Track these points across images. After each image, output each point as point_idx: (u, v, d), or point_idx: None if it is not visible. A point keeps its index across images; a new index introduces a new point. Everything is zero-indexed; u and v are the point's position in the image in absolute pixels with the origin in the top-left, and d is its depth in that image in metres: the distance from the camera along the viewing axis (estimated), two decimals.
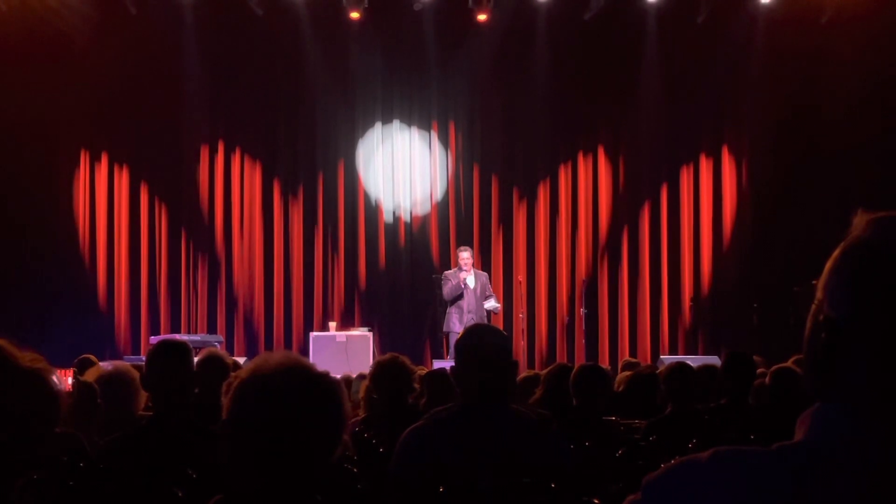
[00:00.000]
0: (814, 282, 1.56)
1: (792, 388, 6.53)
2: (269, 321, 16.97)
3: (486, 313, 14.38)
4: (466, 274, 14.25)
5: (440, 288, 14.58)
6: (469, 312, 14.12)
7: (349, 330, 15.70)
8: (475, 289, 14.26)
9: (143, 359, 5.01)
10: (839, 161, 16.08)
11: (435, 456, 3.98)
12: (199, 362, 6.48)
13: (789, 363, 6.99)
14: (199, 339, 14.85)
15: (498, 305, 14.87)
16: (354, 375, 9.22)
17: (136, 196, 16.88)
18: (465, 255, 14.43)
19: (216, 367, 6.33)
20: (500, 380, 4.09)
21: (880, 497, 1.39)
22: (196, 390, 5.28)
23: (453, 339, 14.16)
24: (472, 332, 4.32)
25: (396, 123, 17.28)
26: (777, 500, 1.42)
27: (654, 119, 17.01)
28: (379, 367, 6.23)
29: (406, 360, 6.27)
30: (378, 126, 17.23)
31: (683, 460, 1.52)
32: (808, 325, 1.52)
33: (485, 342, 4.16)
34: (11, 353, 2.05)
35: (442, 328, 14.86)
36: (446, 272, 14.72)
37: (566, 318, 16.86)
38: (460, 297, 14.23)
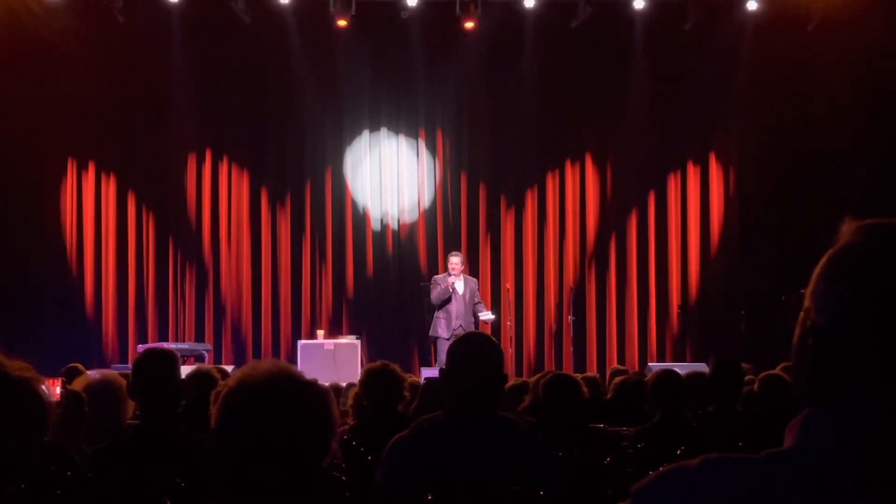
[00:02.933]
0: (802, 290, 1.56)
1: (780, 395, 6.53)
2: (256, 329, 16.95)
3: (474, 320, 14.35)
4: (455, 279, 14.21)
5: (428, 295, 14.54)
6: (457, 318, 14.07)
7: (337, 338, 15.69)
8: (464, 294, 14.22)
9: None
10: (826, 168, 16.13)
11: (421, 464, 3.98)
12: (187, 377, 6.48)
13: (777, 370, 7.00)
14: (186, 348, 14.83)
15: (492, 316, 14.85)
16: (343, 383, 9.22)
17: (124, 204, 16.85)
18: (455, 260, 14.38)
19: (205, 378, 6.32)
20: (489, 388, 4.08)
21: (870, 502, 1.39)
22: (183, 402, 5.27)
23: (440, 345, 14.15)
24: (465, 340, 4.32)
25: (384, 131, 17.28)
26: None
27: (642, 126, 17.03)
28: (370, 375, 6.20)
29: (397, 367, 6.27)
30: (366, 133, 17.23)
31: (672, 467, 1.52)
32: (797, 332, 1.52)
33: (477, 349, 4.16)
34: (0, 362, 2.05)
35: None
36: (435, 276, 14.70)
37: (554, 326, 16.87)
38: (448, 301, 14.18)
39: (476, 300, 14.45)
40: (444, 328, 14.10)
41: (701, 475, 1.48)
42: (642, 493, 1.53)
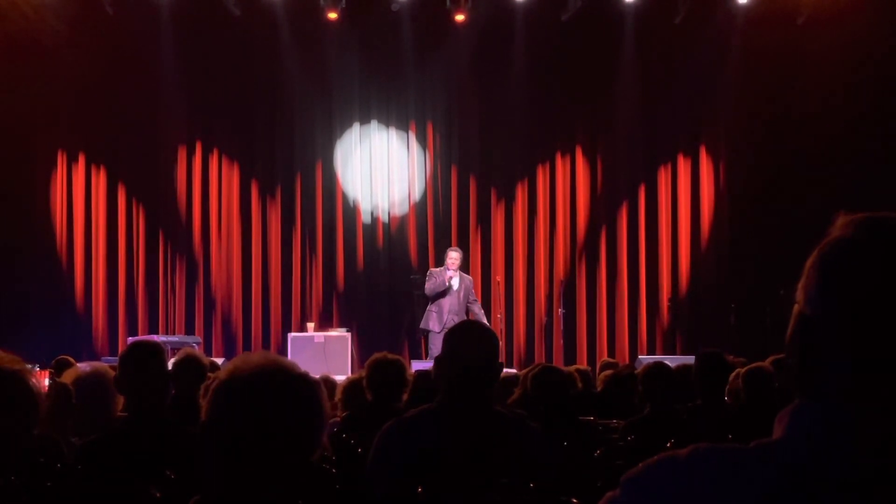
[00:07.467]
0: (798, 284, 1.56)
1: (763, 387, 6.54)
2: (247, 322, 16.93)
3: (467, 317, 14.31)
4: (452, 274, 14.19)
5: (418, 288, 14.53)
6: (449, 313, 14.03)
7: (327, 331, 15.67)
8: (459, 291, 14.20)
9: None
10: (816, 161, 16.14)
11: (412, 453, 3.96)
12: (175, 363, 6.46)
13: (767, 363, 7.01)
14: (176, 340, 14.82)
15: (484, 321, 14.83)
16: (333, 376, 9.21)
17: (114, 197, 16.81)
18: (454, 255, 14.33)
19: (193, 367, 6.31)
20: (485, 374, 4.06)
21: (857, 493, 1.40)
22: (173, 392, 5.26)
23: (431, 339, 14.14)
24: (463, 326, 4.30)
25: (374, 124, 17.26)
26: (755, 497, 1.43)
27: (632, 119, 17.04)
28: (376, 366, 6.19)
29: (401, 359, 6.30)
30: (356, 126, 17.20)
31: (662, 457, 1.52)
32: (790, 324, 1.53)
33: (474, 336, 4.14)
34: None
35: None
36: (432, 269, 14.68)
37: (544, 319, 16.86)
38: (442, 295, 14.17)
39: (471, 298, 14.42)
40: (436, 322, 14.08)
41: (690, 464, 1.48)
42: (632, 481, 1.53)
